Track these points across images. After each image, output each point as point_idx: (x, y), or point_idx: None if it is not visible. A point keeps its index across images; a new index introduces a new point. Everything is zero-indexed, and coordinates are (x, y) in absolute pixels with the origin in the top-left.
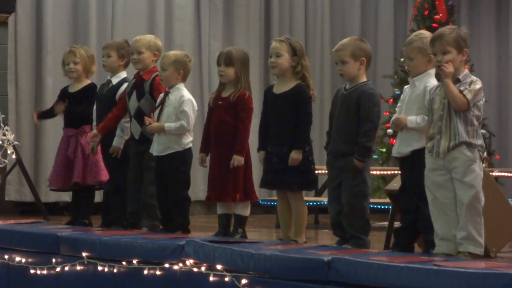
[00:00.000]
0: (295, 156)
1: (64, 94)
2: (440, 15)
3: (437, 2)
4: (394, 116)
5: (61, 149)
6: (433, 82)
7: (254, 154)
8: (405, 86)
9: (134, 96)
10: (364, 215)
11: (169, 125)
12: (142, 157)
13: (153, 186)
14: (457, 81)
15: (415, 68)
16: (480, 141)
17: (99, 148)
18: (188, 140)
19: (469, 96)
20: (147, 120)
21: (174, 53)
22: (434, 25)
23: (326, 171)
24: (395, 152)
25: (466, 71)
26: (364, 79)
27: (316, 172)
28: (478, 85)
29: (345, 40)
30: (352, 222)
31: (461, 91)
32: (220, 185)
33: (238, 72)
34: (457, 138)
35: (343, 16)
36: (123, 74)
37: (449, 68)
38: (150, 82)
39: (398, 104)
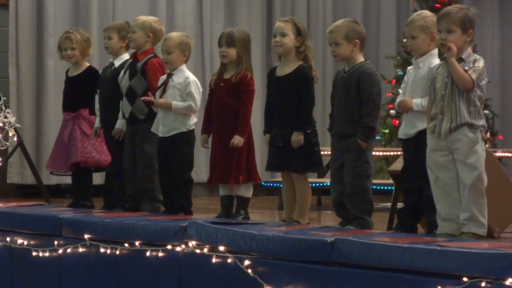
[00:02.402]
0: (296, 138)
1: (66, 79)
2: None
3: None
4: (399, 98)
5: (60, 133)
6: (436, 62)
7: (257, 136)
8: (409, 67)
9: (126, 75)
10: (367, 196)
11: (177, 103)
12: (134, 139)
13: (148, 169)
14: (460, 60)
15: (417, 47)
16: (482, 122)
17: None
18: (193, 121)
19: (473, 76)
20: (148, 98)
21: (177, 35)
22: (437, 5)
23: (329, 153)
24: (401, 134)
25: (469, 50)
26: (361, 59)
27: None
28: (481, 63)
29: (338, 22)
30: (355, 202)
31: (465, 71)
32: (223, 167)
33: (239, 52)
34: (458, 119)
35: None
36: (125, 56)
37: (454, 48)
38: (143, 62)
39: (402, 85)
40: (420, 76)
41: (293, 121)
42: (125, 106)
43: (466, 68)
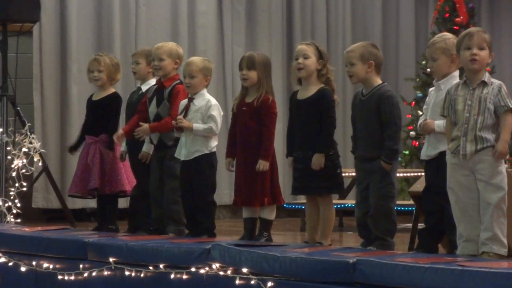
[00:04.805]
0: (316, 160)
1: (88, 104)
2: (461, 17)
3: (458, 5)
4: (421, 120)
5: (81, 156)
6: None
7: (280, 158)
8: (430, 89)
9: (154, 102)
10: (391, 217)
11: (198, 125)
12: (161, 163)
13: (176, 193)
14: (484, 84)
15: (438, 68)
16: None
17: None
18: (215, 143)
19: (509, 105)
20: (175, 122)
21: (200, 59)
22: (455, 27)
23: (351, 174)
24: (423, 155)
25: (487, 73)
26: (378, 81)
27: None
28: (505, 89)
29: (356, 44)
30: (379, 223)
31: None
32: (248, 190)
33: (260, 75)
34: (484, 142)
35: (364, 20)
36: (152, 81)
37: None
38: (170, 89)
39: (424, 107)
40: (441, 98)
41: (315, 144)
42: None
43: (502, 104)
